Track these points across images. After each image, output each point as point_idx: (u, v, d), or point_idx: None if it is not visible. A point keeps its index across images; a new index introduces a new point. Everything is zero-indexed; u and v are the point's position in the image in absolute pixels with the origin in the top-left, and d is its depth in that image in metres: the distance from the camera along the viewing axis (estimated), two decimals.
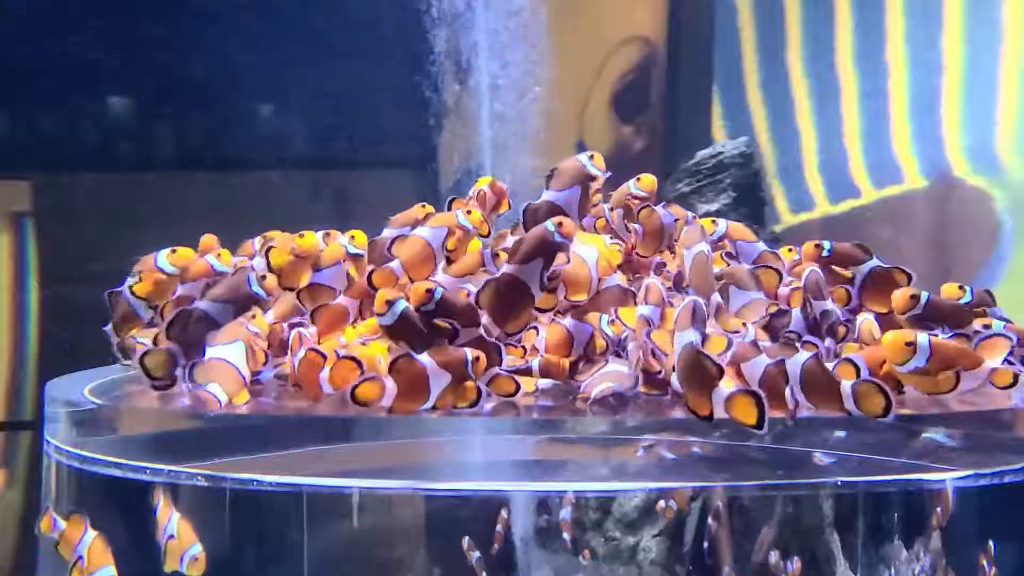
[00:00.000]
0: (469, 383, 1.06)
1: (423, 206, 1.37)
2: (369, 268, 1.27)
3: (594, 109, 3.08)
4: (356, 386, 1.03)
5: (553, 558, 1.48)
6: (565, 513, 1.42)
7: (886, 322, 1.21)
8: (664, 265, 1.31)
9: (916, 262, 3.00)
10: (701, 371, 0.96)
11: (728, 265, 1.27)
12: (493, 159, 2.56)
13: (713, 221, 1.36)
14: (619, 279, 1.22)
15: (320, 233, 1.32)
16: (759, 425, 0.94)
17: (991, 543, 1.12)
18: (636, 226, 1.30)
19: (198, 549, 1.16)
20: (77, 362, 1.40)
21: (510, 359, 1.15)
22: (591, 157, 1.32)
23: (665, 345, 1.06)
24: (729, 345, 1.04)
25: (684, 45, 3.10)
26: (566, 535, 1.43)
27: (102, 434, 1.20)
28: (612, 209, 1.36)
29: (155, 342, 1.18)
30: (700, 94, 3.04)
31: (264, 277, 1.20)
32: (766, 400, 0.94)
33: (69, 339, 1.31)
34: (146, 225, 2.68)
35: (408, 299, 1.10)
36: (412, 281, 1.20)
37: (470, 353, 1.06)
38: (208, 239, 1.35)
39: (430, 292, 1.10)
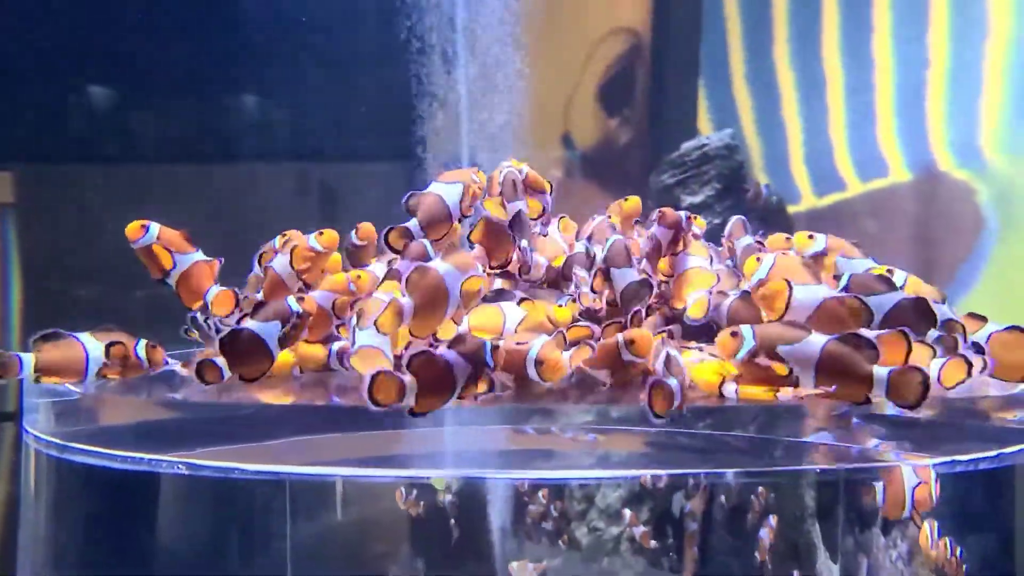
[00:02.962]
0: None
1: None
2: None
3: (580, 101, 3.09)
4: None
5: (533, 547, 1.49)
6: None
7: None
8: None
9: (900, 255, 3.04)
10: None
11: None
12: (477, 151, 2.56)
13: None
14: None
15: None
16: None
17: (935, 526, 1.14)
18: None
19: None
20: None
21: None
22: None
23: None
24: None
25: (670, 38, 3.11)
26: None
27: (82, 424, 1.20)
28: None
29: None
30: (686, 87, 3.05)
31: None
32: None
33: None
34: (130, 217, 2.67)
35: None
36: None
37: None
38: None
39: None
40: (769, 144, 3.02)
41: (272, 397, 1.17)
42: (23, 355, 1.19)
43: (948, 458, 1.04)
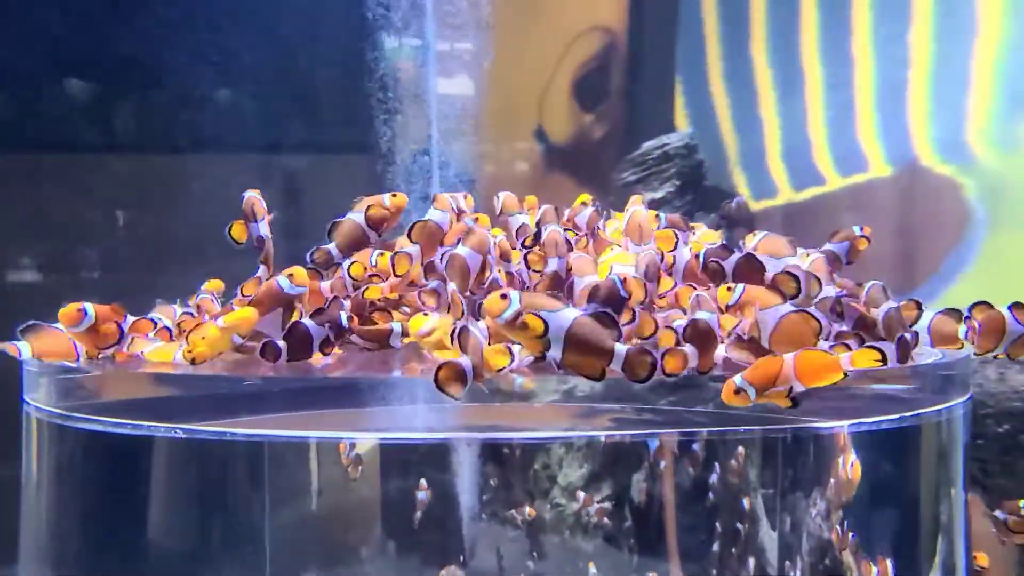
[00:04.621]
0: None
1: None
2: None
3: (554, 96, 3.22)
4: None
5: (501, 530, 1.60)
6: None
7: None
8: None
9: (881, 248, 3.13)
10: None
11: None
12: (446, 144, 2.66)
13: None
14: None
15: None
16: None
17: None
18: None
19: None
20: None
21: None
22: None
23: None
24: None
25: (646, 36, 3.23)
26: None
27: (82, 399, 1.31)
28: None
29: None
30: (662, 84, 3.17)
31: None
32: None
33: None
34: (81, 208, 2.74)
35: None
36: None
37: None
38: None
39: None
40: (746, 140, 3.12)
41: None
42: (20, 344, 1.27)
43: (855, 420, 1.19)
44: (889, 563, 1.27)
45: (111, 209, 2.65)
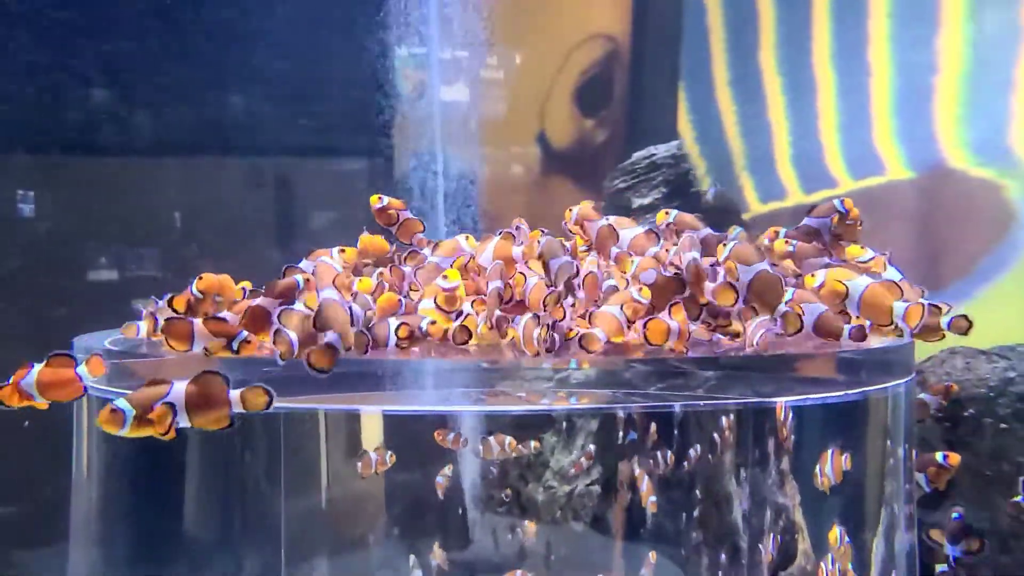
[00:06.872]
0: None
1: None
2: None
3: (556, 102, 3.36)
4: None
5: (498, 521, 1.69)
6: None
7: None
8: None
9: (900, 248, 3.16)
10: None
11: None
12: (447, 148, 2.79)
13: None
14: None
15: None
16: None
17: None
18: None
19: None
20: None
21: None
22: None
23: None
24: None
25: (649, 43, 3.35)
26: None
27: (131, 380, 1.42)
28: None
29: None
30: (665, 91, 3.29)
31: None
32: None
33: None
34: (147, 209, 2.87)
35: None
36: None
37: None
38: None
39: None
40: (753, 144, 3.20)
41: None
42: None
43: (800, 397, 1.36)
44: (839, 524, 1.45)
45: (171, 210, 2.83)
